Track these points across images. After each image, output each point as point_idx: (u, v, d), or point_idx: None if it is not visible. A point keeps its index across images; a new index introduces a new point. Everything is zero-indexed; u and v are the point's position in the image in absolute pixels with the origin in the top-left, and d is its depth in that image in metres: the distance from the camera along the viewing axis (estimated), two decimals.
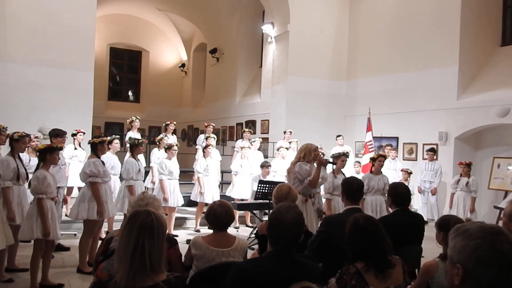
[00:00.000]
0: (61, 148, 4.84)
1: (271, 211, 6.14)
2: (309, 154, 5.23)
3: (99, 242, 5.62)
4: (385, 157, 6.92)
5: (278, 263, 2.18)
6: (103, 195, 5.24)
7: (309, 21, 12.05)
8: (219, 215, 2.94)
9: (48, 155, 4.55)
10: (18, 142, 4.84)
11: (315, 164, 5.12)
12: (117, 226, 6.68)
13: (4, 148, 5.22)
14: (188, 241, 6.51)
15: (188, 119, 18.60)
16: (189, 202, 8.16)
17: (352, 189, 3.50)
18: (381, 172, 6.67)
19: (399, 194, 3.74)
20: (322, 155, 5.64)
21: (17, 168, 4.76)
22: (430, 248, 3.74)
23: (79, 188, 7.47)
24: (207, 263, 2.82)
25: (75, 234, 6.73)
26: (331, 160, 6.25)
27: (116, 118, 18.28)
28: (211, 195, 7.62)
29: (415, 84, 10.60)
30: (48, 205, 4.48)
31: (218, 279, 2.75)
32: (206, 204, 7.86)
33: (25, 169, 4.97)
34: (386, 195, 6.57)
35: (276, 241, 2.26)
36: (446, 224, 2.75)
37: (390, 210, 3.94)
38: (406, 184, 8.03)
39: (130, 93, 20.42)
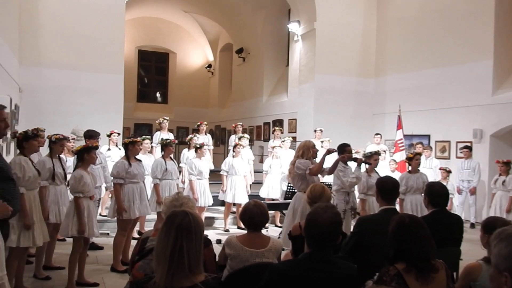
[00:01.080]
0: (97, 147, 4.98)
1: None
2: (307, 151, 5.25)
3: (133, 241, 5.72)
4: (420, 154, 6.75)
5: (315, 264, 2.15)
6: (129, 195, 5.33)
7: (336, 18, 11.89)
8: (254, 215, 2.93)
9: (86, 155, 4.69)
10: (55, 144, 5.02)
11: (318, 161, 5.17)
12: (150, 226, 6.78)
13: (43, 150, 5.41)
14: (218, 241, 6.53)
15: (215, 119, 18.72)
16: (221, 202, 8.18)
17: (387, 189, 3.41)
18: (419, 171, 6.51)
19: (436, 193, 3.62)
20: (353, 154, 5.58)
21: (53, 168, 4.92)
22: (468, 251, 3.63)
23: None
24: (241, 263, 2.81)
25: (108, 233, 6.86)
26: (364, 159, 6.15)
27: (144, 119, 18.60)
28: (233, 195, 7.61)
29: (447, 79, 10.30)
30: (85, 203, 4.61)
31: (252, 279, 2.74)
32: (234, 204, 7.90)
33: (64, 169, 5.12)
34: None
35: (313, 241, 2.24)
36: (491, 226, 2.64)
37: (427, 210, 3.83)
38: (445, 183, 7.84)
39: (158, 95, 20.72)
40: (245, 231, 2.92)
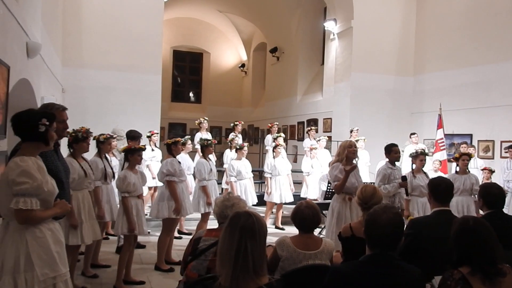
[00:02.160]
0: (142, 149, 5.03)
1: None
2: (342, 151, 4.96)
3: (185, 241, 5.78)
4: (470, 155, 6.50)
5: (378, 267, 2.09)
6: (180, 194, 5.41)
7: (374, 16, 11.67)
8: (306, 217, 2.89)
9: (129, 156, 4.76)
10: (104, 144, 5.15)
11: (354, 161, 4.90)
12: (194, 225, 6.85)
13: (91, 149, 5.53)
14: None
15: (249, 119, 18.76)
16: (261, 201, 8.18)
17: (440, 190, 3.30)
18: (468, 172, 6.29)
19: (492, 195, 3.48)
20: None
21: (104, 169, 5.03)
22: None
23: (149, 188, 7.80)
24: (293, 265, 2.78)
25: (149, 232, 6.96)
26: (409, 164, 6.00)
27: (179, 119, 18.86)
28: (279, 195, 7.59)
29: (491, 77, 9.92)
30: (132, 202, 4.69)
31: (306, 281, 2.71)
32: (275, 204, 7.88)
33: (112, 169, 5.24)
34: (474, 195, 6.24)
35: (373, 242, 2.19)
36: None
37: (481, 212, 3.68)
38: None
39: (191, 94, 20.96)
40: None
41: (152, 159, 7.68)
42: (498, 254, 2.19)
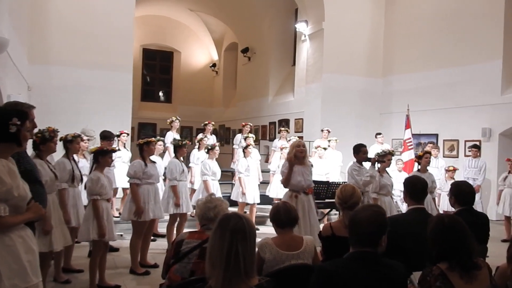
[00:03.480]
0: (113, 151, 4.89)
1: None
2: (291, 151, 5.18)
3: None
4: (430, 153, 6.76)
5: (363, 264, 2.14)
6: (144, 196, 5.25)
7: (344, 18, 11.89)
8: (289, 210, 2.93)
9: (100, 157, 4.62)
10: (72, 143, 4.94)
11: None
12: (163, 227, 6.76)
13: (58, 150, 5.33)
14: None
15: (220, 119, 18.69)
16: (230, 202, 8.15)
17: (416, 189, 3.40)
18: (427, 171, 6.51)
19: (463, 193, 3.62)
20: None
21: (72, 170, 4.85)
22: (491, 247, 3.67)
23: (123, 189, 7.66)
24: (276, 266, 2.79)
25: (121, 235, 6.83)
26: (376, 158, 6.15)
27: (149, 118, 18.58)
28: (252, 196, 7.60)
29: (456, 79, 10.31)
30: (103, 206, 4.55)
31: (288, 281, 2.73)
32: (247, 204, 7.88)
33: (80, 171, 5.06)
34: (432, 193, 6.48)
35: (354, 241, 2.24)
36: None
37: (453, 209, 3.83)
38: (450, 182, 7.85)
39: (161, 94, 20.68)
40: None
41: (117, 159, 7.51)
42: (473, 248, 2.29)
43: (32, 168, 3.07)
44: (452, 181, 8.45)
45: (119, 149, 7.73)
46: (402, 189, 3.63)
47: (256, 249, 2.86)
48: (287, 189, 8.13)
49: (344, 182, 6.31)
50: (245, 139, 8.65)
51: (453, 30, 10.41)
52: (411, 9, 11.63)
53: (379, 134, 10.33)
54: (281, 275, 2.73)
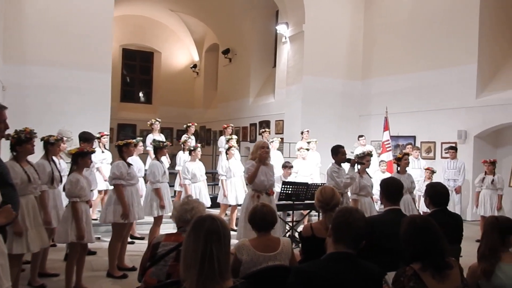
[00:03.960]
0: (93, 152, 4.83)
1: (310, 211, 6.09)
2: (255, 151, 5.29)
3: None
4: (408, 154, 6.88)
5: (341, 265, 2.18)
6: (128, 198, 5.20)
7: (324, 21, 12.00)
8: (265, 213, 2.93)
9: (80, 159, 4.56)
10: (53, 146, 4.88)
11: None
12: (146, 229, 6.69)
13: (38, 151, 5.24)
14: None
15: (201, 120, 18.61)
16: (215, 204, 8.13)
17: (392, 190, 3.46)
18: (406, 171, 6.62)
19: (438, 193, 3.69)
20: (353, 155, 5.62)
21: (51, 172, 4.78)
22: (462, 246, 3.74)
23: (99, 191, 7.56)
24: (253, 267, 2.80)
25: (99, 238, 6.73)
26: (357, 160, 6.23)
27: (128, 119, 18.36)
28: (235, 197, 7.58)
29: (432, 82, 10.52)
30: (83, 208, 4.49)
31: (265, 282, 2.74)
32: (229, 206, 7.86)
33: (59, 172, 4.99)
34: (412, 193, 6.59)
35: (343, 241, 2.26)
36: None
37: (428, 210, 3.89)
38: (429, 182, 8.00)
39: (141, 94, 20.47)
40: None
41: (103, 161, 7.42)
42: (445, 248, 2.34)
43: (3, 170, 3.01)
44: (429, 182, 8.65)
45: (103, 151, 7.65)
46: None
47: (234, 250, 2.88)
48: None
49: (323, 184, 6.37)
50: (227, 141, 8.64)
51: (429, 34, 10.62)
52: (389, 14, 11.82)
53: (361, 136, 10.44)
54: (258, 277, 2.74)
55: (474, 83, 9.65)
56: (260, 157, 5.22)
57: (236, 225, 7.81)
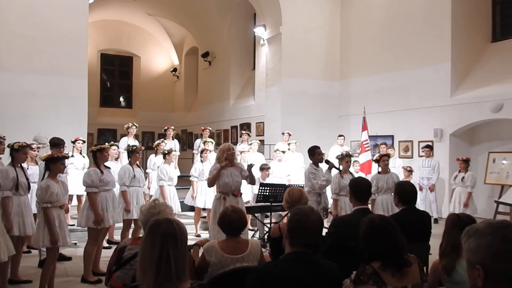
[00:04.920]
0: (65, 158, 4.79)
1: (284, 213, 6.15)
2: (221, 155, 5.33)
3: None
4: (388, 156, 6.95)
5: (298, 264, 2.20)
6: (102, 204, 5.21)
7: (301, 23, 12.10)
8: (233, 221, 2.94)
9: (51, 165, 4.53)
10: (18, 152, 4.82)
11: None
12: (117, 234, 6.65)
13: (5, 158, 5.16)
14: (190, 247, 6.47)
15: (182, 124, 18.55)
16: (190, 207, 8.11)
17: (360, 190, 3.50)
18: (389, 171, 6.70)
19: (406, 192, 3.76)
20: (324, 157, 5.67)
21: (16, 178, 4.72)
22: (434, 245, 3.80)
23: (78, 196, 7.50)
24: (221, 269, 2.81)
25: (75, 243, 6.66)
26: (335, 164, 6.31)
27: (108, 124, 18.18)
28: (204, 200, 7.57)
29: (408, 82, 10.68)
30: (55, 213, 4.47)
31: (233, 284, 2.75)
32: (204, 209, 7.84)
33: (27, 179, 4.92)
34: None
35: (299, 242, 2.28)
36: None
37: (397, 208, 3.96)
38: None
39: (121, 99, 20.30)
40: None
41: (70, 166, 7.35)
42: (403, 246, 2.39)
43: None
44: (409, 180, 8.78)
45: (73, 156, 7.58)
46: None
47: (203, 252, 2.89)
48: (251, 192, 8.26)
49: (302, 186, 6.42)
50: (204, 143, 8.65)
51: (403, 35, 10.80)
52: (365, 15, 11.98)
53: (341, 136, 10.53)
54: (225, 279, 2.75)
55: (449, 82, 9.82)
56: (226, 159, 5.25)
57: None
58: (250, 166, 5.58)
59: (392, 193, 6.38)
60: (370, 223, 2.47)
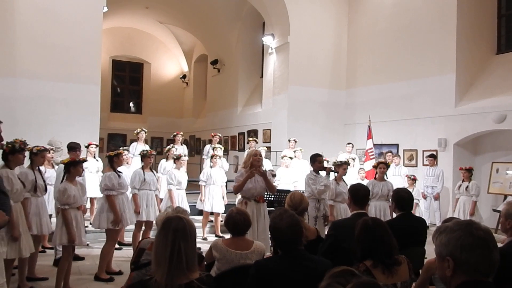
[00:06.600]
0: (84, 161, 5.12)
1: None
2: (248, 159, 5.25)
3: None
4: (386, 164, 7.12)
5: (291, 260, 2.48)
6: (119, 205, 5.52)
7: (309, 32, 12.35)
8: (237, 222, 3.18)
9: (72, 168, 4.82)
10: (37, 156, 5.11)
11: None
12: (128, 236, 6.91)
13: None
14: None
15: (190, 130, 18.85)
16: (199, 211, 8.35)
17: (359, 195, 3.72)
18: (386, 179, 6.87)
19: (402, 199, 3.96)
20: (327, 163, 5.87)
21: (35, 180, 5.01)
22: (433, 251, 3.97)
23: (91, 199, 7.78)
24: (227, 264, 3.04)
25: (87, 244, 6.90)
26: (333, 168, 6.52)
27: (118, 129, 18.53)
28: (211, 204, 7.80)
29: (413, 92, 10.84)
30: (72, 214, 4.76)
31: (240, 279, 2.98)
32: (212, 213, 8.07)
33: (44, 181, 5.21)
34: (389, 200, 6.85)
35: (277, 244, 2.59)
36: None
37: (395, 214, 4.15)
38: (411, 190, 8.31)
39: (131, 105, 20.68)
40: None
41: (85, 169, 7.65)
42: (394, 247, 2.61)
43: None
44: (412, 189, 8.94)
45: (97, 160, 7.94)
46: None
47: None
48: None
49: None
50: (213, 149, 8.88)
51: (409, 45, 10.99)
52: (371, 25, 12.19)
53: (349, 143, 10.70)
54: (233, 274, 2.97)
55: (453, 92, 9.96)
56: (252, 165, 5.13)
57: (221, 232, 8.04)
58: (272, 175, 5.43)
59: (386, 200, 6.62)
60: (364, 224, 2.70)
